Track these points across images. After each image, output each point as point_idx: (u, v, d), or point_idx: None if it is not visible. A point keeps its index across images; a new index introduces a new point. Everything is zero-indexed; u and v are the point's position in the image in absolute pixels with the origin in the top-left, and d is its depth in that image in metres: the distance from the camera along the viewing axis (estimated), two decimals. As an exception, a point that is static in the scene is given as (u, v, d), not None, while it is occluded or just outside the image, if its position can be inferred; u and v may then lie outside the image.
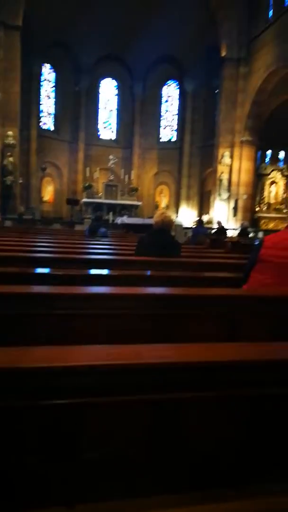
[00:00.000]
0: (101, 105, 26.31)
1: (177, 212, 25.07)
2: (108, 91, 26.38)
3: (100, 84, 26.03)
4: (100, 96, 26.21)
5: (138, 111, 25.69)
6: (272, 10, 17.11)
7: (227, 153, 19.14)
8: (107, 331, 1.72)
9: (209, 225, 17.02)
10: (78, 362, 0.94)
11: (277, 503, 1.08)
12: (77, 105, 24.48)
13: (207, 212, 21.52)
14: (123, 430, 0.97)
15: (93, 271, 2.69)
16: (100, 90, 26.13)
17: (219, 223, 14.28)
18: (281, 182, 20.09)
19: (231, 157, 19.12)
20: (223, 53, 18.82)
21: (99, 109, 26.22)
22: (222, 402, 1.01)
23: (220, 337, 1.81)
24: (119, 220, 17.36)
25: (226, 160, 19.16)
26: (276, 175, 20.15)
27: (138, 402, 0.96)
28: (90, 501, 0.95)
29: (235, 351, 1.12)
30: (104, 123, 26.55)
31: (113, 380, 0.95)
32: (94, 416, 0.94)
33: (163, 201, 26.43)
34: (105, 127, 26.58)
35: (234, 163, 19.11)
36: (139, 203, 23.05)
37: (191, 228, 15.65)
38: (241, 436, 1.05)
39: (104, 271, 2.73)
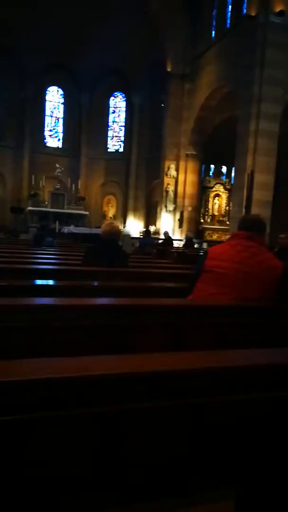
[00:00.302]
0: (47, 112, 25.96)
1: (124, 223, 25.19)
2: (54, 99, 26.12)
3: (47, 92, 25.71)
4: (47, 104, 25.87)
5: (85, 120, 25.65)
6: (214, 31, 17.93)
7: (172, 166, 19.61)
8: (52, 344, 1.68)
9: (156, 236, 17.26)
10: (20, 377, 0.91)
11: (223, 509, 1.11)
12: (22, 111, 23.96)
13: (154, 223, 21.83)
14: (68, 445, 0.95)
15: (38, 282, 2.62)
16: (47, 97, 25.81)
17: (166, 233, 14.54)
18: (224, 195, 20.90)
19: (177, 169, 19.62)
20: (169, 69, 19.37)
21: (45, 117, 25.85)
22: (169, 411, 1.02)
23: (167, 346, 1.83)
24: (65, 230, 17.11)
25: (172, 172, 19.63)
26: (219, 188, 20.94)
27: (84, 415, 0.94)
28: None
29: (180, 360, 1.13)
30: (50, 131, 26.20)
31: (58, 394, 0.92)
32: (36, 432, 0.91)
33: (111, 211, 26.46)
34: (51, 135, 26.21)
35: (179, 175, 19.61)
36: (86, 212, 22.91)
37: (139, 238, 15.78)
38: (187, 445, 1.06)
39: (50, 282, 2.67)
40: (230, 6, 16.74)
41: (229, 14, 16.80)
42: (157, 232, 18.91)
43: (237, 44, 14.60)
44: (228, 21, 16.75)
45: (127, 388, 0.97)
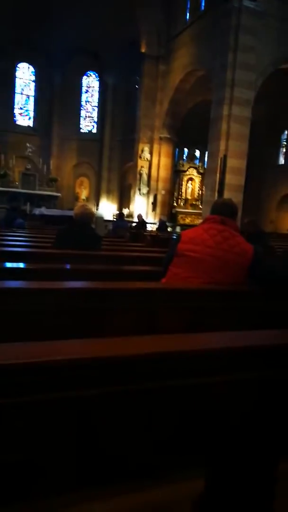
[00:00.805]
0: (17, 90, 25.08)
1: (97, 205, 24.95)
2: (25, 76, 25.24)
3: (17, 68, 24.80)
4: (17, 81, 24.97)
5: (57, 99, 24.99)
6: (188, 13, 17.69)
7: (146, 148, 19.48)
8: (24, 328, 1.65)
9: (130, 219, 17.21)
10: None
11: (193, 488, 1.13)
12: (-10, 88, 23.07)
13: (128, 206, 21.74)
14: (37, 430, 0.94)
15: (9, 264, 2.56)
16: (17, 74, 24.90)
17: (139, 216, 14.49)
18: (197, 179, 20.97)
19: (151, 152, 19.51)
20: (143, 50, 19.04)
21: (15, 94, 24.97)
22: (138, 395, 1.02)
23: (140, 330, 1.84)
24: (37, 211, 16.77)
25: (146, 155, 19.51)
26: (193, 172, 20.98)
27: (55, 400, 0.93)
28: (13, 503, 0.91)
29: (153, 343, 1.14)
30: (20, 109, 25.37)
31: (28, 379, 0.91)
32: (4, 417, 0.89)
33: (83, 193, 26.12)
34: (21, 114, 25.41)
35: (153, 158, 19.52)
36: (58, 194, 22.52)
37: (112, 221, 15.68)
38: (157, 427, 1.07)
39: (21, 265, 2.62)
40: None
41: (203, -4, 16.60)
42: (130, 215, 18.84)
43: (211, 28, 14.46)
44: (203, 4, 16.55)
45: (95, 372, 0.97)
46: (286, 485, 1.17)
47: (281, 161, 21.79)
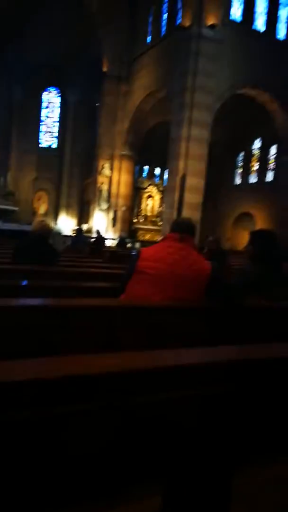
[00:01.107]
0: (-25, 101, 24.58)
1: (56, 220, 24.65)
2: (-16, 88, 24.80)
3: (-25, 80, 24.35)
4: (-25, 92, 24.49)
5: (17, 113, 24.69)
6: (150, 36, 18.24)
7: (107, 165, 19.60)
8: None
9: (89, 234, 17.11)
10: None
11: (150, 506, 1.12)
12: None
13: (87, 221, 21.64)
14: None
15: None
16: (-25, 85, 24.43)
17: (97, 232, 14.44)
18: (157, 197, 21.31)
19: (111, 169, 19.64)
20: (105, 69, 19.33)
21: (-28, 106, 24.46)
22: (96, 413, 1.01)
23: (99, 347, 1.82)
24: (-8, 226, 16.31)
25: (106, 171, 19.61)
26: (152, 190, 21.32)
27: (15, 421, 0.90)
28: None
29: (109, 361, 1.13)
30: (-22, 121, 24.84)
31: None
32: None
33: (42, 207, 25.76)
34: (-21, 126, 24.87)
35: (113, 175, 19.65)
36: (16, 208, 22.04)
37: (71, 236, 15.51)
38: (115, 445, 1.06)
39: (-25, 281, 2.53)
40: (165, 15, 17.13)
41: (164, 22, 17.20)
42: (90, 231, 18.76)
43: (172, 52, 14.97)
44: (164, 29, 17.14)
45: (52, 391, 0.95)
46: (239, 497, 1.19)
47: (237, 181, 22.61)
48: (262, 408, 1.26)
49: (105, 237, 15.35)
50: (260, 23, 15.90)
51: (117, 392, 1.02)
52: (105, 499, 1.09)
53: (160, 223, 20.25)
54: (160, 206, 20.83)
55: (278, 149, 18.99)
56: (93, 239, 14.56)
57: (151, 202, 21.45)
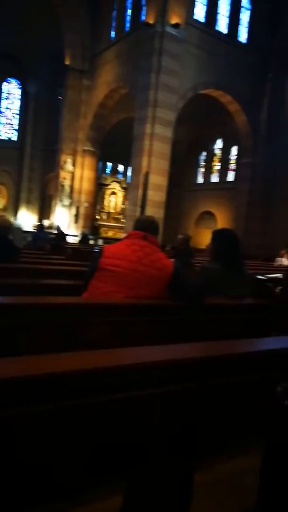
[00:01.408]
0: None
1: (16, 215, 24.03)
2: None
3: None
4: None
5: (-25, 104, 23.83)
6: (114, 32, 18.11)
7: (69, 160, 19.32)
8: None
9: (50, 230, 16.81)
10: None
11: (111, 505, 1.13)
12: None
13: (48, 217, 21.25)
14: None
15: None
16: None
17: (58, 228, 14.21)
18: (120, 193, 21.27)
19: (74, 164, 19.38)
20: (67, 62, 19.02)
21: None
22: (56, 414, 1.00)
23: (61, 346, 1.80)
24: None
25: (69, 166, 19.33)
26: (116, 186, 21.26)
27: None
28: None
29: (71, 360, 1.12)
30: None
31: None
32: None
33: (0, 202, 25.02)
34: None
35: (76, 170, 19.40)
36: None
37: (32, 232, 15.17)
38: (77, 446, 1.05)
39: None
40: (129, 11, 17.06)
41: (128, 18, 17.13)
42: (51, 227, 18.43)
43: (135, 48, 14.95)
44: (127, 25, 17.06)
45: (10, 392, 0.93)
46: (200, 494, 1.21)
47: (200, 180, 22.96)
48: (222, 405, 1.29)
49: (67, 233, 15.15)
50: (222, 25, 16.19)
51: (78, 392, 1.02)
52: (68, 499, 1.08)
53: (123, 220, 20.26)
54: (123, 203, 20.81)
55: (238, 150, 19.46)
56: (54, 236, 14.32)
57: (114, 199, 21.39)
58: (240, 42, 16.56)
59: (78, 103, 19.15)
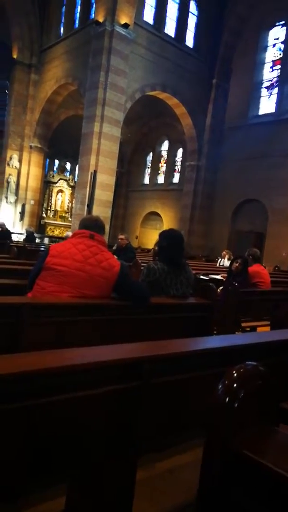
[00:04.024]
0: None
1: None
2: None
3: None
4: None
5: None
6: (63, 27, 17.80)
7: (15, 156, 18.72)
8: None
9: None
10: None
11: (53, 508, 1.12)
12: None
13: (-8, 215, 20.44)
14: None
15: None
16: None
17: (2, 225, 13.71)
18: (68, 192, 20.95)
19: (20, 160, 18.80)
20: (15, 56, 18.41)
21: None
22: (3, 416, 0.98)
23: (4, 347, 1.75)
24: None
25: (15, 163, 18.73)
26: (63, 184, 20.90)
27: None
28: None
29: (15, 362, 1.10)
30: None
31: None
32: None
33: None
34: None
35: (22, 167, 18.83)
36: None
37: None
38: (19, 449, 1.04)
39: None
40: (78, 7, 16.86)
41: (77, 14, 16.91)
42: (-5, 224, 17.73)
43: (84, 45, 14.81)
44: (77, 21, 16.85)
45: None
46: (142, 491, 1.24)
47: (146, 181, 23.19)
48: (164, 402, 1.33)
49: (12, 231, 14.65)
50: (171, 29, 16.45)
51: (19, 394, 1.00)
52: (9, 502, 1.06)
53: (70, 218, 19.97)
54: (71, 201, 20.51)
55: (183, 152, 19.89)
56: (-3, 233, 13.80)
57: (61, 197, 21.02)
58: (187, 47, 16.92)
59: (25, 97, 18.58)
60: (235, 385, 0.87)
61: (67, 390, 1.08)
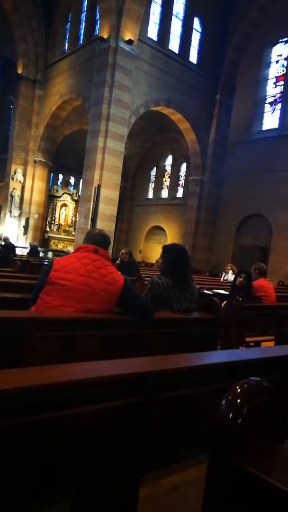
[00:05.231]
0: None
1: None
2: None
3: None
4: None
5: None
6: (67, 43, 18.16)
7: (20, 170, 18.91)
8: None
9: (-2, 242, 16.26)
10: None
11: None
12: None
13: (-4, 228, 20.58)
14: None
15: None
16: None
17: (6, 239, 13.80)
18: (71, 206, 21.08)
19: (24, 175, 18.99)
20: (20, 71, 18.76)
21: None
22: (12, 431, 0.98)
23: (6, 361, 1.75)
24: None
25: (19, 177, 18.91)
26: (67, 199, 21.04)
27: None
28: None
29: (19, 377, 1.10)
30: None
31: None
32: None
33: None
34: None
35: (27, 181, 19.01)
36: None
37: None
38: (21, 466, 1.03)
39: None
40: (83, 24, 17.22)
41: (82, 31, 17.26)
42: (0, 238, 17.84)
43: (89, 61, 15.08)
44: (81, 38, 17.19)
45: None
46: (145, 503, 1.23)
47: (150, 195, 23.32)
48: (168, 418, 1.32)
49: (16, 245, 14.74)
50: (174, 45, 16.74)
51: (26, 409, 1.00)
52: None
53: (74, 233, 20.06)
54: (74, 215, 20.62)
55: (187, 167, 20.03)
56: (0, 247, 13.87)
57: (65, 211, 21.14)
58: (191, 63, 17.18)
59: (29, 112, 18.86)
60: (239, 400, 0.87)
61: (70, 405, 1.08)
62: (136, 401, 1.20)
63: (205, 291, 5.60)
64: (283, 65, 16.98)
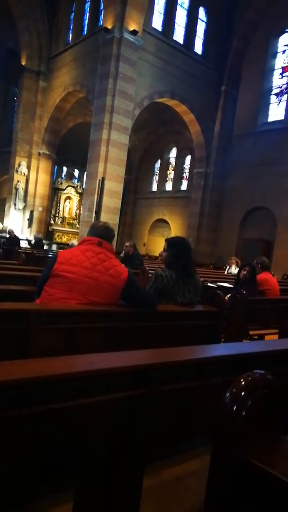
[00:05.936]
0: None
1: None
2: None
3: None
4: None
5: None
6: (71, 34, 18.01)
7: (24, 163, 18.89)
8: None
9: (3, 234, 16.32)
10: None
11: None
12: None
13: (1, 221, 20.62)
14: None
15: None
16: None
17: (10, 232, 13.83)
18: (76, 198, 21.06)
19: (28, 167, 18.96)
20: (23, 63, 18.65)
21: None
22: (6, 423, 0.98)
23: (11, 353, 1.76)
24: None
25: (23, 169, 18.89)
26: (71, 191, 21.02)
27: None
28: None
29: (24, 368, 1.11)
30: None
31: None
32: None
33: None
34: None
35: (31, 174, 18.99)
36: None
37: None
38: (26, 457, 1.04)
39: None
40: (87, 14, 17.06)
41: (86, 21, 17.10)
42: (4, 230, 17.88)
43: (93, 52, 14.95)
44: (85, 28, 17.03)
45: None
46: (148, 494, 1.23)
47: (154, 188, 23.24)
48: (172, 409, 1.33)
49: (20, 237, 14.77)
50: (179, 36, 16.56)
51: (29, 400, 1.01)
52: (17, 509, 1.06)
53: (78, 225, 20.07)
54: (79, 208, 20.61)
55: (192, 159, 19.92)
56: (5, 240, 13.92)
57: (69, 204, 21.13)
58: (196, 53, 16.99)
59: (33, 104, 18.78)
60: (243, 393, 0.87)
61: (74, 397, 1.08)
62: (139, 393, 1.21)
63: (209, 284, 5.59)
64: (289, 56, 16.76)
